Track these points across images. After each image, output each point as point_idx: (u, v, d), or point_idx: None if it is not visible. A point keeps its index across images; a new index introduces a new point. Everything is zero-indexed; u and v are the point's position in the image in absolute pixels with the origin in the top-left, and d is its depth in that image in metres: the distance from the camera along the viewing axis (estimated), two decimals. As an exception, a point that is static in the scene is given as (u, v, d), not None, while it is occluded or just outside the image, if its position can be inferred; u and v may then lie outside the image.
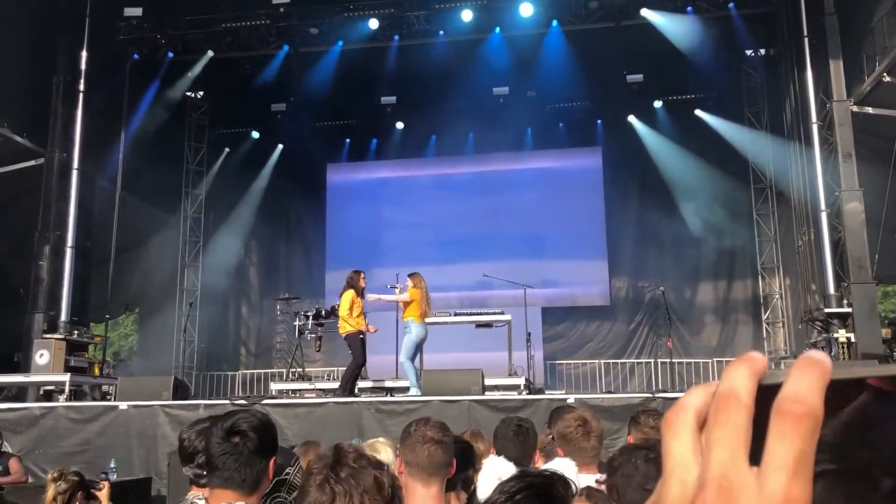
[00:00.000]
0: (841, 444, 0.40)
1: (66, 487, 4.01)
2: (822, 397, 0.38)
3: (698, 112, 15.39)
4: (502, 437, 3.62)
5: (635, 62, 14.96)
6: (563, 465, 2.27)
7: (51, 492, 4.00)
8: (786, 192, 13.98)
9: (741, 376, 0.40)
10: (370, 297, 10.09)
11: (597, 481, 2.69)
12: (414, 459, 2.54)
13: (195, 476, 2.51)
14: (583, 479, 3.04)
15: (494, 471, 2.47)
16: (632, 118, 15.97)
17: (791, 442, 0.37)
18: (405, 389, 9.87)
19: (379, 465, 1.79)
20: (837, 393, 0.39)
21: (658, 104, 15.79)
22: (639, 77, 15.16)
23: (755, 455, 0.38)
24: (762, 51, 15.47)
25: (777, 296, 15.36)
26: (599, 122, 16.43)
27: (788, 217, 14.07)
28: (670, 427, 0.42)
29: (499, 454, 3.32)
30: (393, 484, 1.77)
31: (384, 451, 3.42)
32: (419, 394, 9.03)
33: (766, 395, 0.39)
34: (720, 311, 15.75)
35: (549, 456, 3.67)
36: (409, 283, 9.85)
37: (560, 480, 1.46)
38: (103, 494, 4.10)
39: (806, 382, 0.38)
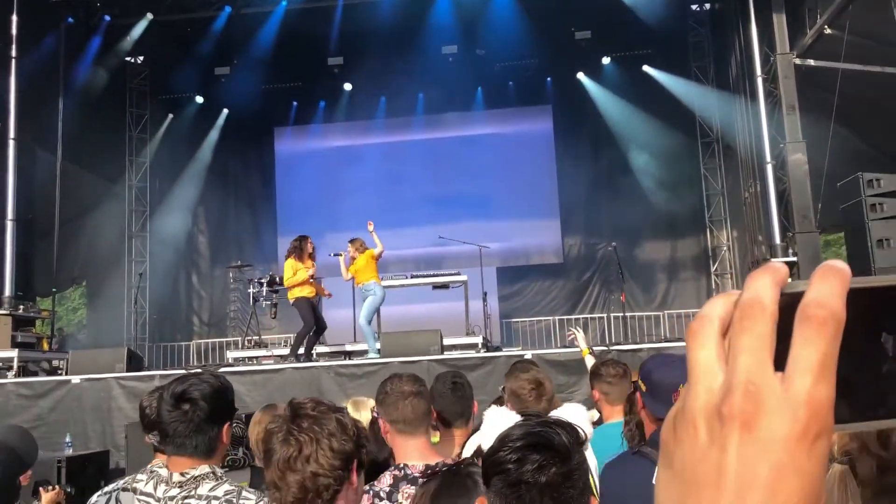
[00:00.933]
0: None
1: None
2: (843, 302, 0.39)
3: (646, 68, 15.48)
4: (440, 396, 3.66)
5: (584, 19, 14.92)
6: (574, 411, 2.29)
7: None
8: (732, 145, 14.22)
9: (764, 285, 0.41)
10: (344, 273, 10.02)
11: None
12: (398, 416, 2.58)
13: (157, 443, 2.48)
14: None
15: (497, 421, 2.50)
16: (581, 75, 15.98)
17: (815, 346, 0.38)
18: (364, 353, 9.88)
19: (338, 409, 1.78)
20: (852, 303, 0.40)
21: (606, 61, 15.81)
22: (587, 34, 15.14)
23: (779, 361, 0.39)
24: (707, 5, 15.59)
25: (725, 248, 15.70)
26: (549, 79, 16.41)
27: (735, 170, 14.33)
28: (695, 336, 0.42)
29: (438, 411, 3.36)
30: (356, 423, 1.76)
31: (366, 411, 3.45)
32: (378, 356, 9.05)
33: (787, 303, 0.40)
34: (670, 265, 16.05)
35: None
36: (351, 249, 9.85)
37: (565, 427, 1.45)
38: (48, 497, 3.95)
39: (828, 288, 0.39)
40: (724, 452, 0.39)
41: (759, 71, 11.97)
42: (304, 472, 1.63)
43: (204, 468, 2.08)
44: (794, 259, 10.88)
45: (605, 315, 15.22)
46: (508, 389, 3.36)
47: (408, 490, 2.41)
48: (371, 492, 2.39)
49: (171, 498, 2.03)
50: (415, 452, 2.56)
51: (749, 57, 12.32)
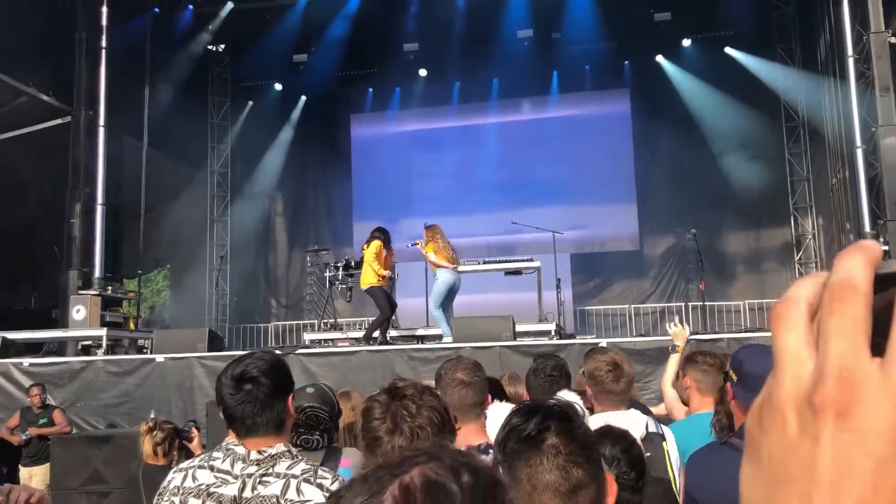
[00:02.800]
0: None
1: (162, 437, 4.01)
2: None
3: (728, 50, 14.99)
4: (536, 388, 3.65)
5: (663, 0, 14.55)
6: (569, 398, 2.32)
7: (147, 444, 3.97)
8: (819, 129, 13.65)
9: (857, 265, 0.37)
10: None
11: None
12: (447, 401, 2.58)
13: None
14: (607, 417, 3.05)
15: (499, 413, 2.51)
16: (660, 58, 15.60)
17: None
18: (436, 337, 9.93)
19: (432, 392, 1.87)
20: None
21: (687, 43, 15.39)
22: (666, 15, 14.76)
23: (874, 348, 0.35)
24: (794, -17, 14.98)
25: (810, 236, 15.13)
26: (627, 63, 16.07)
27: (822, 155, 13.77)
28: (781, 320, 0.39)
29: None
30: (446, 408, 1.86)
31: None
32: (450, 339, 9.09)
33: (883, 285, 0.37)
34: (752, 253, 15.56)
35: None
36: (426, 236, 9.89)
37: (566, 406, 1.53)
38: (195, 444, 4.13)
39: None
40: (817, 444, 0.35)
41: (850, 51, 11.43)
42: (397, 443, 1.73)
43: (280, 447, 2.12)
44: (886, 248, 10.39)
45: (682, 304, 14.87)
46: (587, 372, 3.34)
47: None
48: None
49: (249, 475, 2.06)
50: (461, 436, 2.57)
51: (840, 36, 11.77)
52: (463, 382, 2.61)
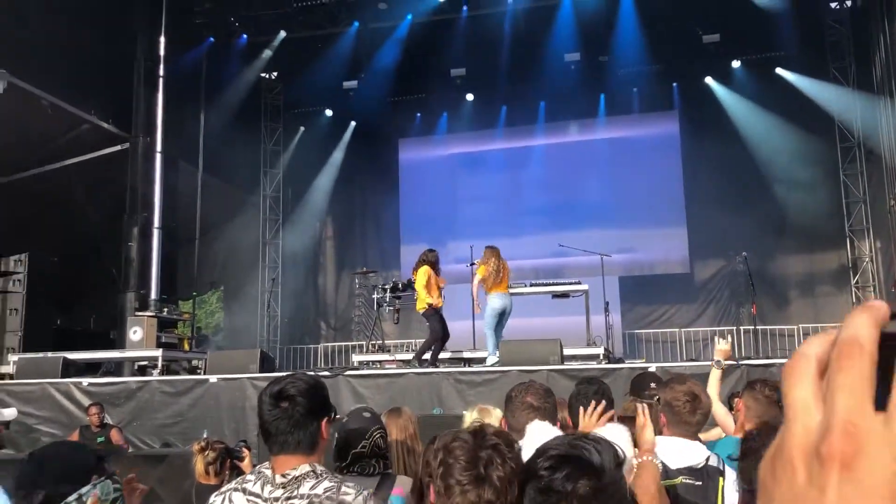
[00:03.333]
0: None
1: (214, 457, 4.06)
2: None
3: (779, 70, 14.80)
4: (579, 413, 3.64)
5: (711, 21, 14.45)
6: (615, 432, 2.28)
7: (200, 463, 4.03)
8: (875, 149, 13.36)
9: (863, 324, 0.40)
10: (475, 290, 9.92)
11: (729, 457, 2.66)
12: (515, 424, 2.61)
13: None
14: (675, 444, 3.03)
15: (537, 435, 2.50)
16: (709, 80, 15.48)
17: None
18: (483, 360, 9.92)
19: (511, 444, 1.68)
20: None
21: (736, 64, 15.25)
22: (715, 37, 14.64)
23: (879, 402, 0.38)
24: (848, 2, 14.74)
25: (867, 259, 14.75)
26: (675, 85, 15.98)
27: (879, 176, 13.46)
28: (792, 375, 0.42)
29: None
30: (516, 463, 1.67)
31: (492, 419, 3.48)
32: (495, 360, 9.08)
33: (887, 342, 0.39)
34: (807, 277, 15.23)
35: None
36: (484, 256, 9.84)
37: (602, 444, 1.43)
38: (246, 464, 4.21)
39: None
40: (824, 494, 0.38)
41: (906, 70, 11.22)
42: (483, 495, 1.58)
43: (304, 467, 2.16)
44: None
45: (734, 328, 14.60)
46: (664, 402, 3.31)
47: None
48: None
49: (276, 499, 2.12)
50: None
51: (895, 55, 11.56)
52: (533, 407, 2.62)
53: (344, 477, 2.46)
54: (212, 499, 2.29)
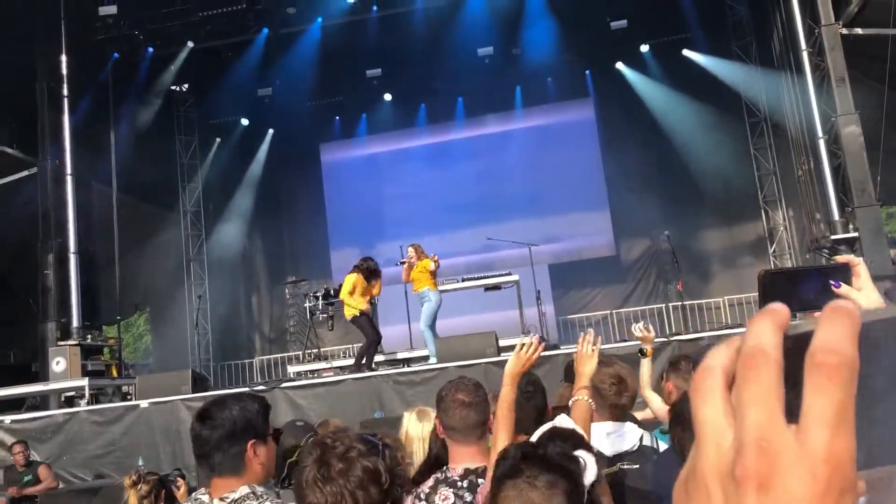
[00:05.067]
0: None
1: (147, 490, 3.86)
2: (856, 345, 0.36)
3: (686, 52, 15.23)
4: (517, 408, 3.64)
5: (618, 7, 14.77)
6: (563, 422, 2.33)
7: (133, 498, 3.82)
8: (781, 123, 13.89)
9: (765, 330, 0.38)
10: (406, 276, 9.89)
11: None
12: (449, 423, 2.59)
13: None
14: (606, 428, 3.06)
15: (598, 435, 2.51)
16: (620, 65, 15.81)
17: (829, 395, 0.35)
18: (421, 359, 9.92)
19: (371, 450, 1.71)
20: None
21: (645, 48, 15.62)
22: (623, 23, 14.97)
23: (790, 410, 0.37)
24: (745, -18, 15.27)
25: (782, 228, 15.33)
26: (588, 72, 16.27)
27: (786, 148, 13.99)
28: (698, 391, 0.40)
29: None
30: (392, 468, 1.71)
31: (430, 421, 3.46)
32: (436, 361, 9.08)
33: (792, 346, 0.38)
34: (726, 249, 15.74)
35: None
36: (412, 251, 9.82)
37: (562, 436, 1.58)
38: (182, 493, 4.04)
39: (838, 331, 0.37)
40: None
41: (803, 45, 11.67)
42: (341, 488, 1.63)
43: (244, 489, 2.10)
44: (856, 234, 10.55)
45: (662, 306, 14.97)
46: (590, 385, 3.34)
47: (445, 492, 2.45)
48: (413, 493, 2.44)
49: None
50: (464, 458, 2.58)
51: (792, 31, 12.02)
52: (464, 403, 2.60)
53: (285, 494, 2.42)
54: None
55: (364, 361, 9.61)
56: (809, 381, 0.36)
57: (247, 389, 8.83)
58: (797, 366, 0.37)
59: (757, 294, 1.15)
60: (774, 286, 1.14)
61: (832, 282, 1.13)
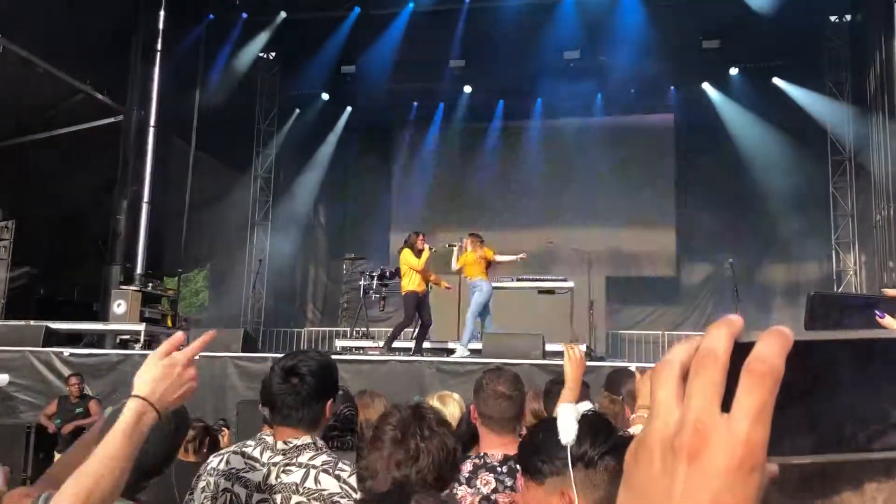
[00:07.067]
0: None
1: (193, 435, 4.01)
2: (783, 359, 0.45)
3: (776, 80, 14.87)
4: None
5: (712, 27, 14.49)
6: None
7: None
8: (866, 164, 13.46)
9: (721, 336, 0.47)
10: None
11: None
12: (486, 411, 2.65)
13: (267, 415, 2.63)
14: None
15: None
16: (706, 85, 15.54)
17: (756, 395, 0.45)
18: (472, 351, 9.95)
19: (451, 432, 1.84)
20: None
21: (734, 71, 15.31)
22: (715, 43, 14.67)
23: (727, 403, 0.46)
24: (847, 16, 14.81)
25: (851, 272, 14.86)
26: (672, 88, 16.03)
27: (868, 191, 13.56)
28: (658, 377, 0.49)
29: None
30: (455, 452, 1.82)
31: (452, 405, 3.51)
32: (467, 354, 9.13)
33: (741, 351, 0.46)
34: (790, 286, 15.32)
35: (615, 418, 3.70)
36: (468, 241, 9.90)
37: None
38: (224, 443, 4.19)
39: (771, 347, 0.46)
40: (673, 480, 0.46)
41: (900, 87, 11.30)
42: (409, 476, 1.71)
43: (306, 439, 2.24)
44: None
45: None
46: (626, 392, 3.38)
47: (486, 477, 2.51)
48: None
49: (275, 464, 2.20)
50: (498, 446, 2.64)
51: (890, 71, 11.63)
52: (503, 395, 2.66)
53: (341, 454, 2.51)
54: (210, 458, 2.34)
55: (394, 342, 9.70)
56: (743, 382, 0.45)
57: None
58: (738, 368, 0.46)
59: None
60: (822, 308, 1.19)
61: (877, 312, 1.16)
